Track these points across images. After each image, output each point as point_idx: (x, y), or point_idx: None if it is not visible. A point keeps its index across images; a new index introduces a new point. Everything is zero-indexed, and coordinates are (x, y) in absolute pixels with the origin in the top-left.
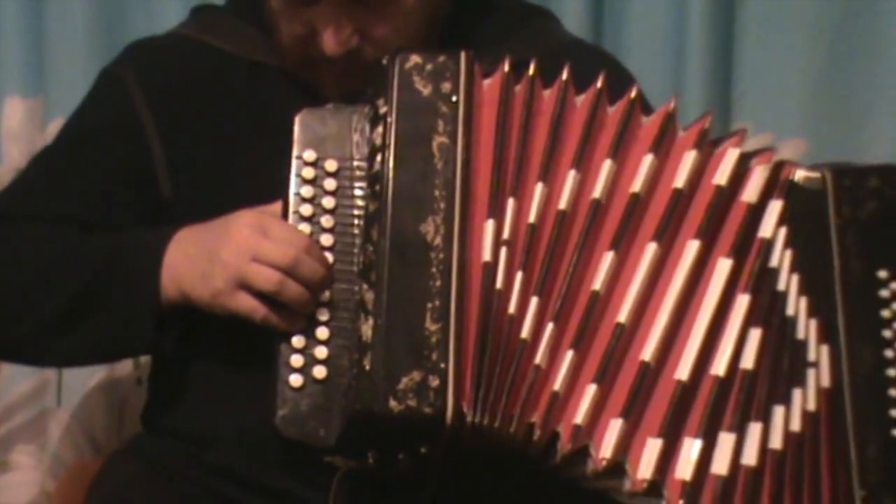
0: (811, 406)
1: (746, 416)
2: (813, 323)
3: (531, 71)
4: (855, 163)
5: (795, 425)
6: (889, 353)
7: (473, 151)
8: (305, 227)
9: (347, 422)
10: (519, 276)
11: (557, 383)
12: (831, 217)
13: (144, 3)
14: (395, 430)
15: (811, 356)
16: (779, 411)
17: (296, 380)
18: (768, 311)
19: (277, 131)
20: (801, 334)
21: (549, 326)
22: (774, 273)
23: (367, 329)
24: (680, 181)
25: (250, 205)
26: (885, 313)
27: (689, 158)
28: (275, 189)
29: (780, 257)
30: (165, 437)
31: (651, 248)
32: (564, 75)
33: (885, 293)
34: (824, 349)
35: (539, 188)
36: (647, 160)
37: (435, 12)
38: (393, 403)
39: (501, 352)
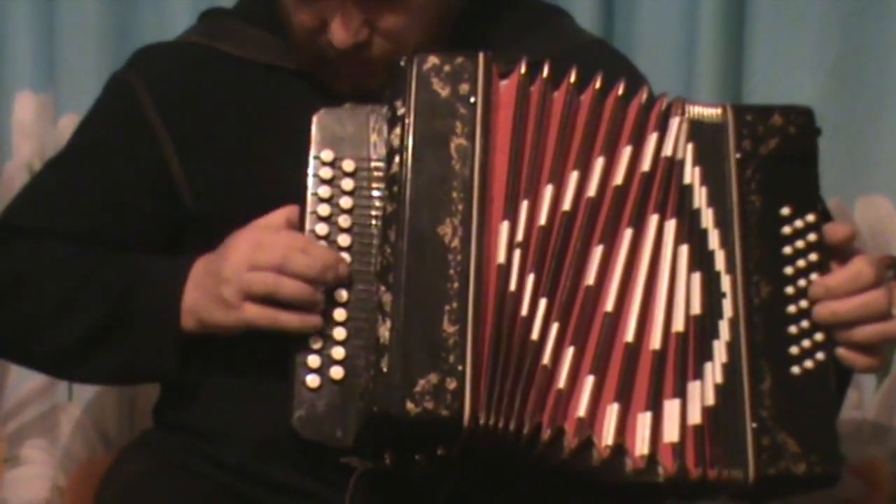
0: (727, 337)
1: (703, 358)
2: (722, 254)
3: (545, 73)
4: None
5: (723, 357)
6: (790, 290)
7: (490, 153)
8: (323, 227)
9: (364, 423)
10: (531, 278)
11: (562, 381)
12: (731, 151)
13: None
14: (412, 432)
15: (723, 287)
16: (716, 344)
17: (313, 380)
18: (701, 254)
19: (292, 132)
20: (717, 266)
21: (555, 326)
22: (698, 214)
23: (384, 331)
24: (647, 164)
25: (271, 206)
26: (788, 250)
27: (652, 141)
28: (294, 190)
29: (699, 196)
30: (177, 433)
31: (628, 234)
32: (572, 77)
33: (787, 230)
34: (727, 279)
35: (549, 190)
36: (627, 152)
37: (449, 8)
38: (410, 405)
39: (515, 354)
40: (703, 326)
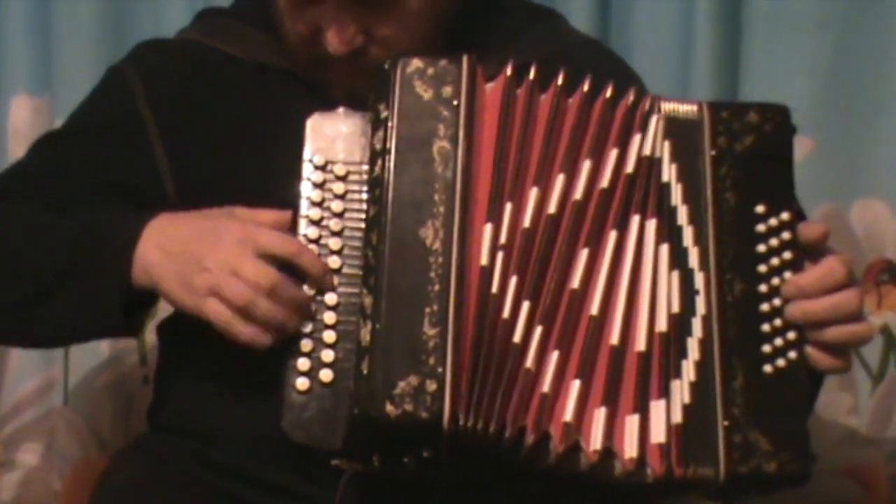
0: (700, 334)
1: (682, 356)
2: (696, 251)
3: (531, 75)
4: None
5: (696, 354)
6: (763, 288)
7: (474, 155)
8: (313, 231)
9: (349, 426)
10: (513, 280)
11: (546, 385)
12: (706, 148)
13: (151, 1)
14: (393, 434)
15: (697, 285)
16: (689, 342)
17: (303, 383)
18: (678, 252)
19: (284, 133)
20: (691, 264)
21: (539, 329)
22: (675, 212)
23: (365, 333)
24: (630, 166)
25: (256, 204)
26: (761, 248)
27: (636, 141)
28: (281, 190)
29: (675, 194)
30: (172, 435)
31: (613, 237)
32: (560, 80)
33: (761, 228)
34: (701, 277)
35: (534, 192)
36: (614, 154)
37: (442, 13)
38: (390, 408)
39: (496, 356)
40: (682, 325)
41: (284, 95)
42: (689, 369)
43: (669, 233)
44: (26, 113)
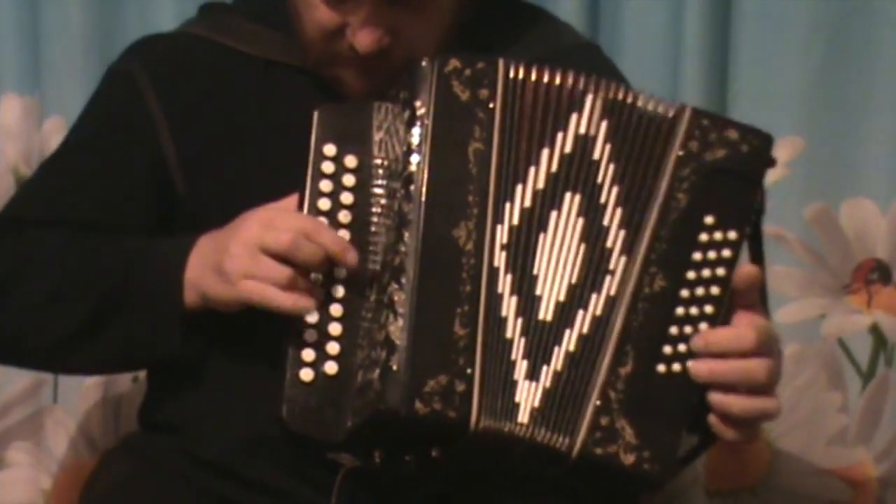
0: (598, 311)
1: (568, 325)
2: (622, 234)
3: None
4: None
5: (585, 328)
6: (685, 293)
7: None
8: (321, 221)
9: (365, 420)
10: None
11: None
12: (675, 147)
13: (139, 1)
14: (416, 432)
15: (612, 265)
16: (580, 315)
17: (306, 374)
18: (592, 228)
19: (292, 129)
20: (609, 243)
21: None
22: (598, 189)
23: (395, 329)
24: (569, 146)
25: (265, 202)
26: (697, 256)
27: (573, 121)
28: (290, 186)
29: (601, 175)
30: (161, 433)
31: (553, 218)
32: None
33: (704, 237)
34: (622, 259)
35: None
36: (560, 137)
37: (461, 16)
38: (419, 405)
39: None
40: (579, 297)
41: (293, 92)
42: (570, 339)
43: (588, 208)
44: (15, 112)
